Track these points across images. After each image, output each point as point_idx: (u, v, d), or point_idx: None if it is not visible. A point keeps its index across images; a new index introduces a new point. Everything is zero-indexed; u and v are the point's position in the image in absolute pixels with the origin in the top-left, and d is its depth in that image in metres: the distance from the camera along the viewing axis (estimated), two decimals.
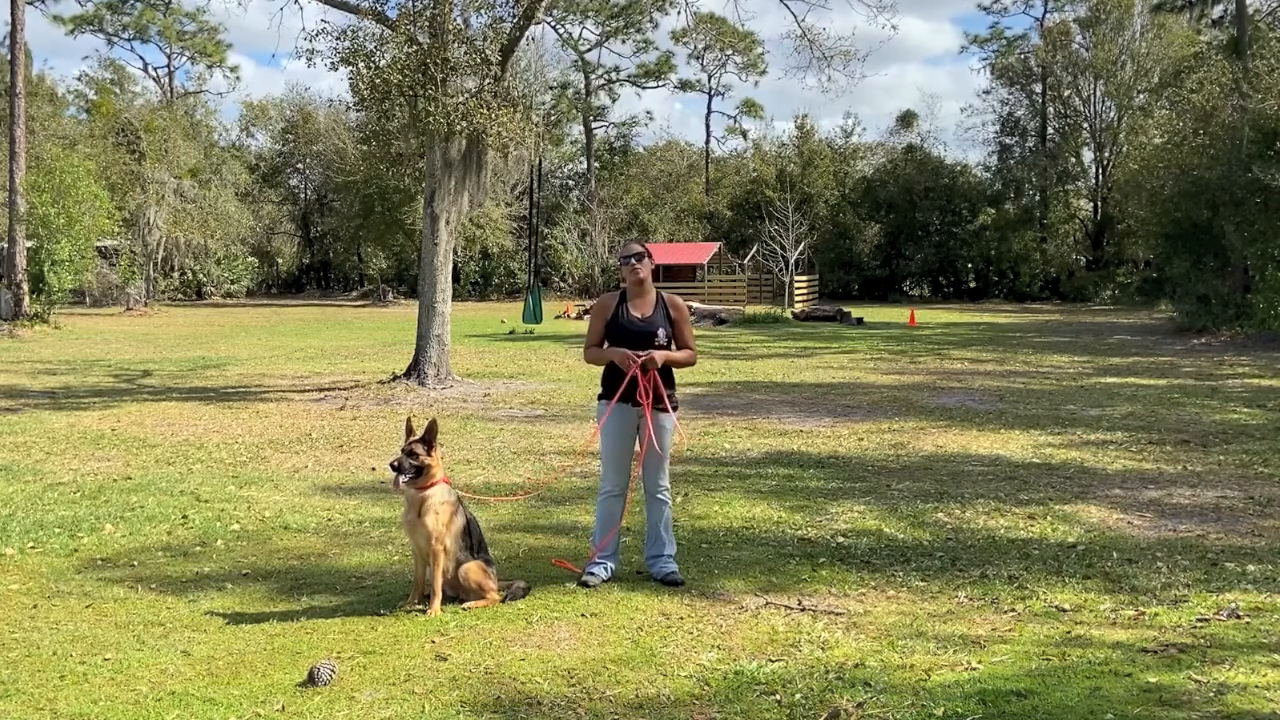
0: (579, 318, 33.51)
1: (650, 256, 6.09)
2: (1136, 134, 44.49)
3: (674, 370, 6.09)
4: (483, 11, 15.78)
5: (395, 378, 15.66)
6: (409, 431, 5.60)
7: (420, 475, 5.47)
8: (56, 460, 9.71)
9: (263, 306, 41.88)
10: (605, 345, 6.00)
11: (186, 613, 5.45)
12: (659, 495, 6.02)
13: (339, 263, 56.72)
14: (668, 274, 39.69)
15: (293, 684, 4.46)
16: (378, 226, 45.68)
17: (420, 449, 5.48)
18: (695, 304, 33.49)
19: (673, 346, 5.99)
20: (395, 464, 5.49)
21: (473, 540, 5.60)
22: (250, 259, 48.19)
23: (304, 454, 10.11)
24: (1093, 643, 4.91)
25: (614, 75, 59.59)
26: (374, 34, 15.17)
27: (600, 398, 6.07)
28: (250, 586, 5.92)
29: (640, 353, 5.80)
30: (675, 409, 6.08)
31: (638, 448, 6.00)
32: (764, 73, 60.64)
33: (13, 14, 30.42)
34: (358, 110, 17.22)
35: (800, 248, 36.90)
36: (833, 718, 4.12)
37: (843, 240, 48.06)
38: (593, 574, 5.91)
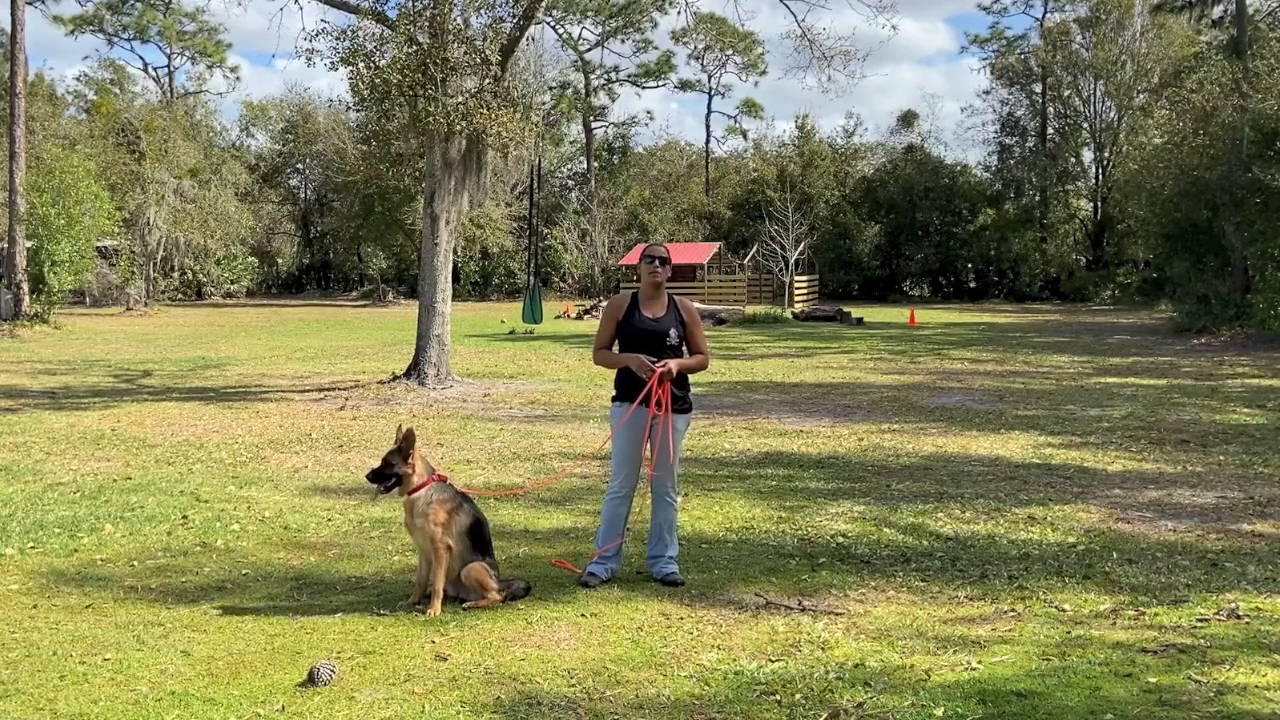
0: (579, 318, 33.51)
1: (670, 262, 6.09)
2: (1136, 134, 44.51)
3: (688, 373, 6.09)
4: (483, 11, 15.78)
5: (395, 378, 15.66)
6: (397, 439, 5.65)
7: (399, 484, 5.55)
8: (56, 460, 9.71)
9: (263, 306, 41.87)
10: (616, 347, 6.02)
11: (186, 613, 5.45)
12: (667, 498, 6.00)
13: (339, 263, 56.66)
14: None
15: (293, 684, 4.46)
16: (378, 226, 45.63)
17: (396, 459, 5.55)
18: (695, 304, 33.48)
19: (684, 349, 6.01)
20: (372, 476, 5.62)
21: (479, 541, 5.61)
22: (250, 259, 48.11)
23: (304, 454, 10.11)
24: (1093, 643, 4.91)
25: (614, 75, 59.54)
26: (374, 34, 15.17)
27: (615, 399, 6.06)
28: (250, 586, 5.92)
29: (659, 363, 5.80)
30: (690, 409, 6.12)
31: (647, 451, 5.99)
32: (764, 73, 60.55)
33: (13, 14, 30.41)
34: (358, 110, 17.22)
35: (800, 248, 36.88)
36: (833, 718, 4.12)
37: (843, 240, 48.01)
38: (593, 574, 5.91)
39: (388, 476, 5.55)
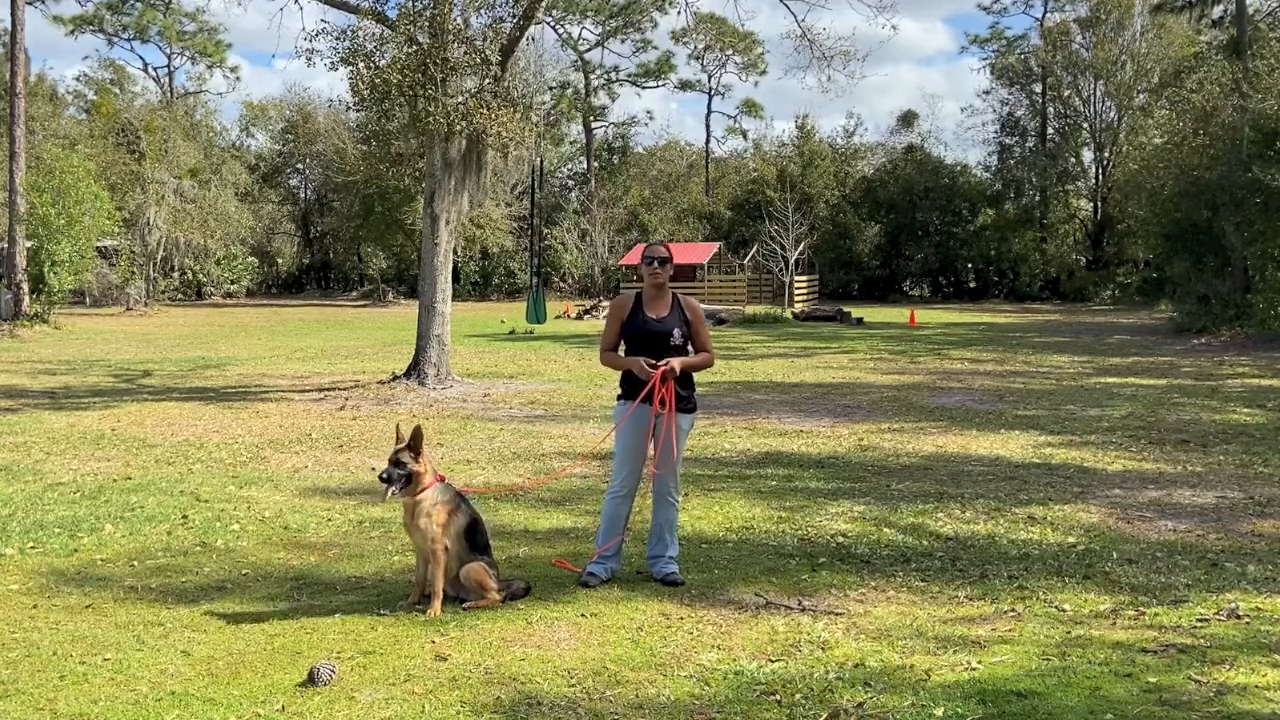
0: (579, 318, 33.50)
1: (672, 261, 6.07)
2: (1136, 134, 44.51)
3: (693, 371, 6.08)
4: (483, 11, 15.78)
5: (395, 378, 15.66)
6: (398, 438, 5.57)
7: (410, 483, 5.47)
8: (56, 460, 9.71)
9: (263, 306, 41.87)
10: (621, 347, 6.02)
11: (186, 613, 5.45)
12: (669, 498, 6.00)
13: (339, 263, 56.65)
14: None
15: (293, 684, 4.46)
16: (378, 226, 45.63)
17: (406, 456, 5.47)
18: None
19: (689, 348, 6.00)
20: (384, 475, 5.49)
21: (478, 540, 5.60)
22: (250, 259, 48.10)
23: (304, 454, 10.11)
24: (1093, 643, 4.91)
25: (614, 75, 59.57)
26: (374, 34, 15.17)
27: (619, 398, 6.07)
28: (250, 586, 5.92)
29: (660, 363, 5.80)
30: (694, 409, 6.13)
31: (651, 450, 5.97)
32: (764, 73, 60.59)
33: (13, 14, 30.41)
34: (358, 110, 17.21)
35: (800, 248, 36.88)
36: (833, 718, 4.12)
37: (843, 240, 48.02)
38: (593, 574, 5.91)
39: (400, 476, 5.46)
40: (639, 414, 5.89)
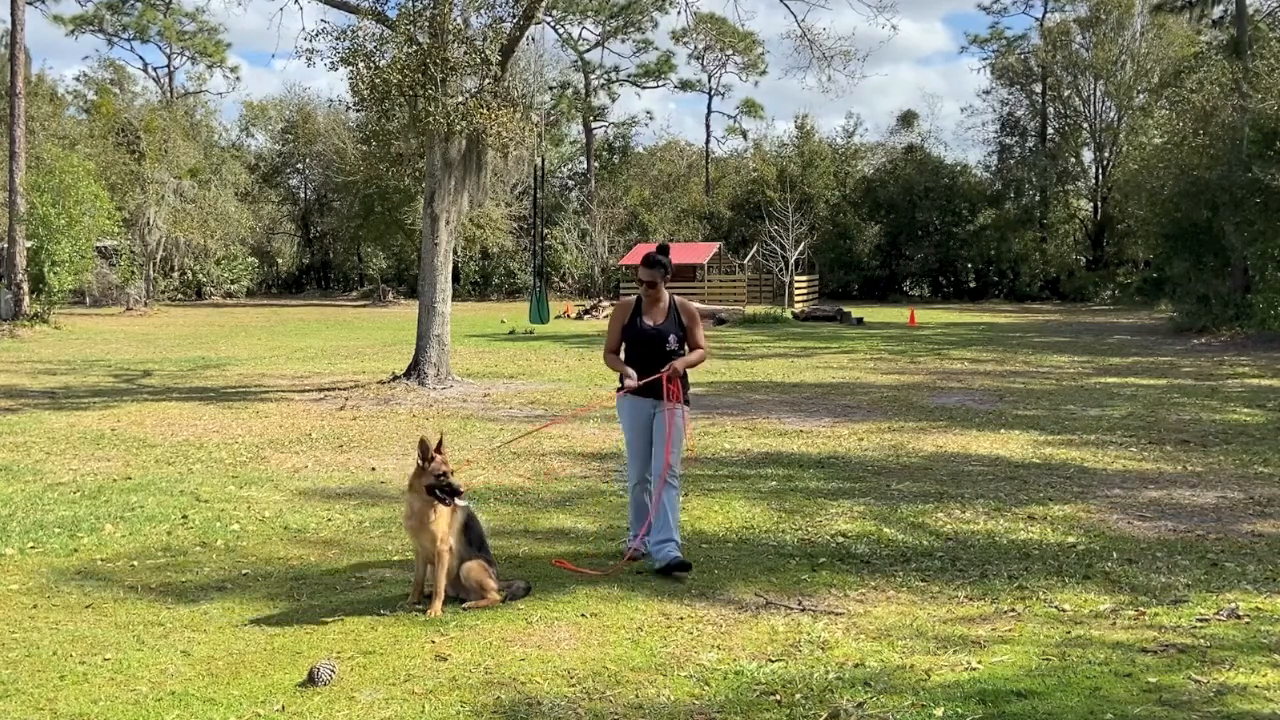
0: (578, 318, 33.51)
1: (666, 271, 6.39)
2: (1136, 134, 44.51)
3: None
4: (483, 11, 15.78)
5: (395, 378, 15.66)
6: (423, 450, 5.57)
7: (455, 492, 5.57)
8: (56, 460, 9.71)
9: (263, 306, 41.86)
10: (623, 350, 6.44)
11: (186, 613, 5.45)
12: (668, 479, 6.22)
13: (339, 263, 56.62)
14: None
15: (293, 684, 4.46)
16: (378, 226, 45.61)
17: (446, 467, 5.54)
18: (695, 304, 33.41)
19: (685, 349, 6.42)
20: (445, 498, 5.51)
21: (473, 537, 5.62)
22: (250, 259, 48.09)
23: (304, 454, 10.10)
24: (1093, 643, 4.91)
25: (614, 75, 59.54)
26: (374, 34, 15.16)
27: (619, 390, 6.45)
28: (250, 586, 5.92)
29: (665, 367, 6.22)
30: (688, 403, 6.51)
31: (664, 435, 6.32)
32: (764, 73, 60.66)
33: (13, 14, 30.41)
34: (358, 110, 17.21)
35: (800, 248, 36.88)
36: (833, 718, 4.12)
37: (843, 240, 48.00)
38: (636, 550, 6.28)
39: (453, 488, 5.52)
40: (637, 410, 6.32)
